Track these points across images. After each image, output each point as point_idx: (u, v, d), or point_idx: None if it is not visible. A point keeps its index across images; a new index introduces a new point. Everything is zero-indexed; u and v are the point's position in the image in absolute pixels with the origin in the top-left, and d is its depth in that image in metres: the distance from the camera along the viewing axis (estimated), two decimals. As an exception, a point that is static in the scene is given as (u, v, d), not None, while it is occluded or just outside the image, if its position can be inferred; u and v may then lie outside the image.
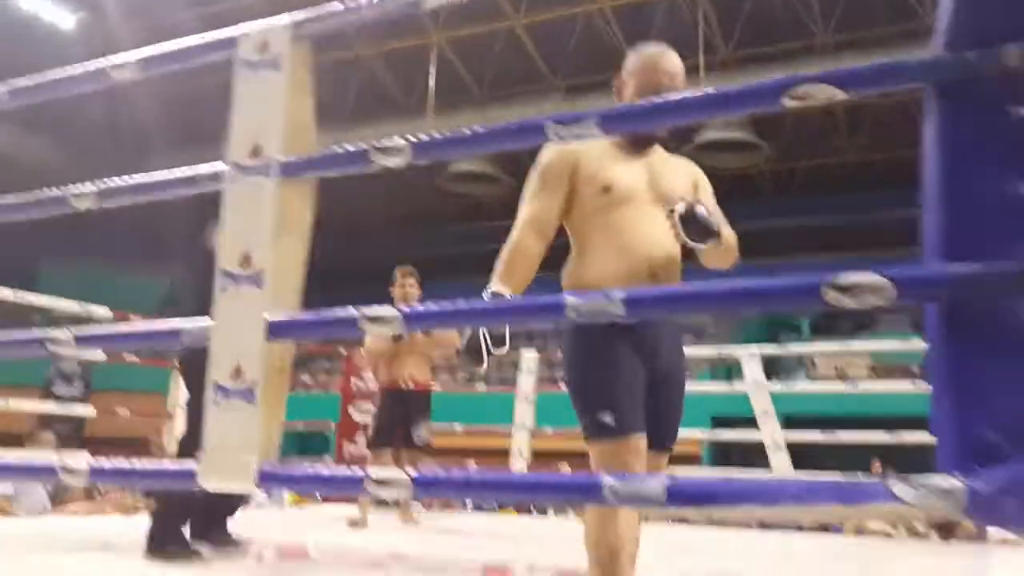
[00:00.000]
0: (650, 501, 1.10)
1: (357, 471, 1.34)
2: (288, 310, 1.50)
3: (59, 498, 5.44)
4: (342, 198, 19.22)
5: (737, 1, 12.66)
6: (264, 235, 1.48)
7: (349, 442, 6.00)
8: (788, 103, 1.14)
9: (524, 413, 5.49)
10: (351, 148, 1.47)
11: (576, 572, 2.94)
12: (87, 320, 4.61)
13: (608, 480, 1.13)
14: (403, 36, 14.31)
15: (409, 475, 1.27)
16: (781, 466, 4.75)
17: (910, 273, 1.02)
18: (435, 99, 14.35)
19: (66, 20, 14.41)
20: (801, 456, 4.99)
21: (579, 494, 1.19)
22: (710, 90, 1.23)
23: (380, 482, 1.30)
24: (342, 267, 19.92)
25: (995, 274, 0.99)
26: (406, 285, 4.70)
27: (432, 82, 14.14)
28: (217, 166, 1.56)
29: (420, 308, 1.34)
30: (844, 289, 1.04)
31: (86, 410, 6.75)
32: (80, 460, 1.57)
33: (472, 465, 6.22)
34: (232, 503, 3.36)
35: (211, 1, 13.59)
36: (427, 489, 1.30)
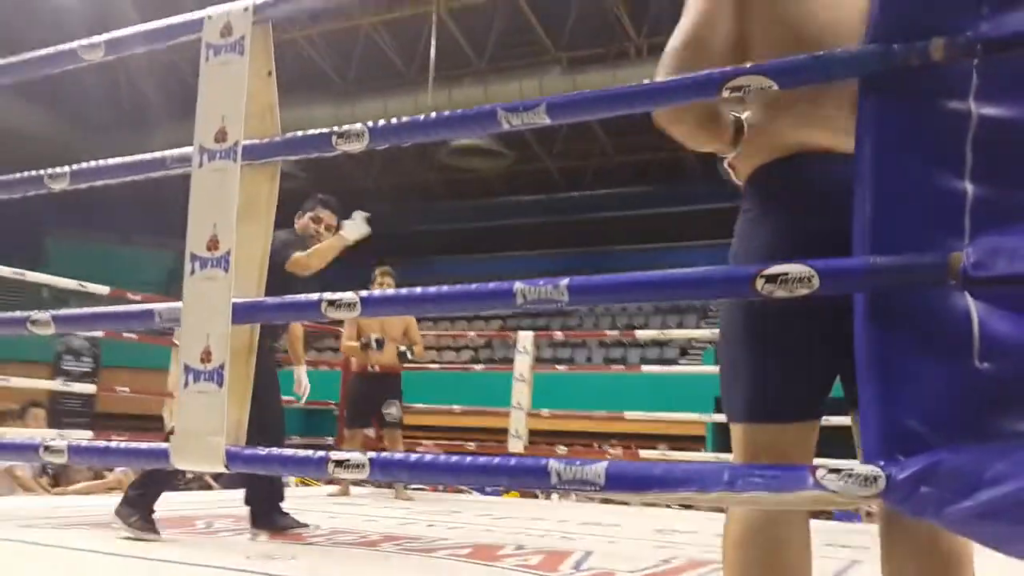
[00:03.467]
0: (590, 485, 1.14)
1: (320, 453, 1.38)
2: (253, 293, 1.53)
3: (65, 477, 5.52)
4: (338, 170, 19.21)
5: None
6: (229, 218, 1.51)
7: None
8: (726, 94, 1.16)
9: (520, 393, 5.54)
10: (313, 132, 1.50)
11: (565, 552, 3.01)
12: (85, 297, 4.66)
13: (555, 464, 1.17)
14: (404, 5, 14.24)
15: (367, 457, 1.32)
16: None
17: (834, 264, 1.05)
18: (436, 70, 14.29)
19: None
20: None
21: (528, 476, 1.23)
22: (658, 80, 1.25)
23: (340, 463, 1.34)
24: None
25: (917, 265, 1.01)
26: (384, 284, 4.96)
27: (432, 53, 14.06)
28: (185, 150, 1.60)
29: (376, 294, 1.39)
30: (773, 279, 1.07)
31: (84, 388, 6.83)
32: (61, 439, 1.62)
33: (470, 446, 6.26)
34: (281, 488, 3.50)
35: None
36: (384, 470, 1.34)
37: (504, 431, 5.46)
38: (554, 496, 7.10)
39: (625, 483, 1.12)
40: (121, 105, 17.05)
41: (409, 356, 5.08)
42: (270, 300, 1.50)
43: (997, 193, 1.07)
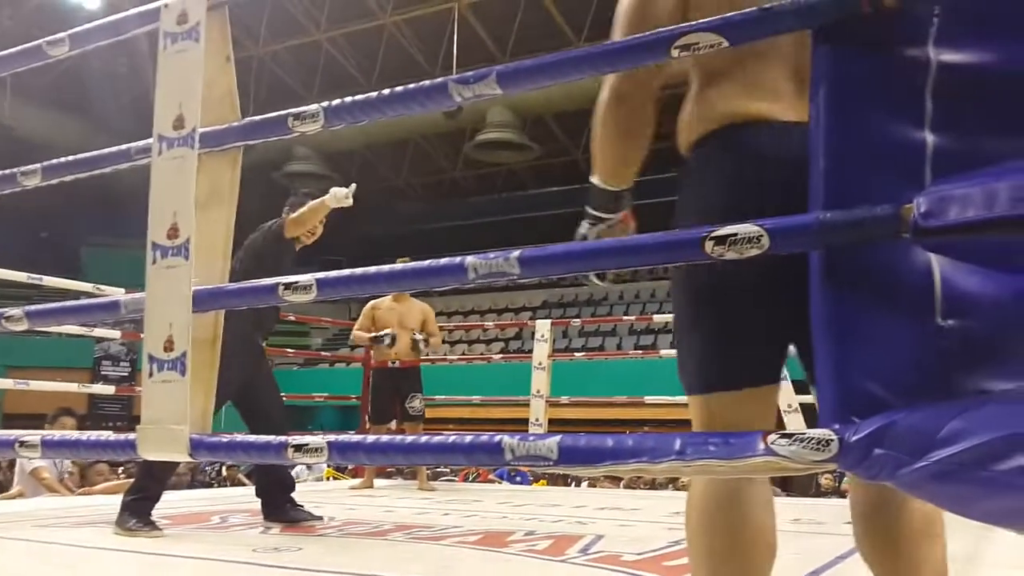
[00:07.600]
0: (543, 459, 1.11)
1: (280, 439, 1.36)
2: (216, 281, 1.51)
3: (88, 479, 5.59)
4: (372, 171, 19.32)
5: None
6: (188, 206, 1.48)
7: (370, 416, 6.06)
8: (675, 53, 1.11)
9: (540, 382, 5.50)
10: (270, 115, 1.48)
11: (574, 537, 2.96)
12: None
13: (508, 440, 1.14)
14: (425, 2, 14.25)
15: (325, 440, 1.30)
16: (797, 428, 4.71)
17: (785, 222, 1.00)
18: (459, 66, 14.28)
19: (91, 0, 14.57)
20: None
21: (484, 454, 1.19)
22: (604, 45, 1.21)
23: (298, 448, 1.32)
24: (375, 235, 20.14)
25: (869, 219, 0.95)
26: None
27: (455, 49, 14.03)
28: (147, 141, 1.58)
29: (333, 275, 1.35)
30: (722, 240, 1.02)
31: (103, 389, 6.94)
32: (35, 435, 1.61)
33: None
34: (290, 480, 3.54)
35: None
36: (342, 453, 1.31)
37: (525, 421, 5.42)
38: (583, 483, 7.05)
39: (578, 456, 1.09)
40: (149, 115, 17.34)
41: (423, 348, 5.05)
42: (230, 286, 1.49)
43: (959, 142, 1.02)
